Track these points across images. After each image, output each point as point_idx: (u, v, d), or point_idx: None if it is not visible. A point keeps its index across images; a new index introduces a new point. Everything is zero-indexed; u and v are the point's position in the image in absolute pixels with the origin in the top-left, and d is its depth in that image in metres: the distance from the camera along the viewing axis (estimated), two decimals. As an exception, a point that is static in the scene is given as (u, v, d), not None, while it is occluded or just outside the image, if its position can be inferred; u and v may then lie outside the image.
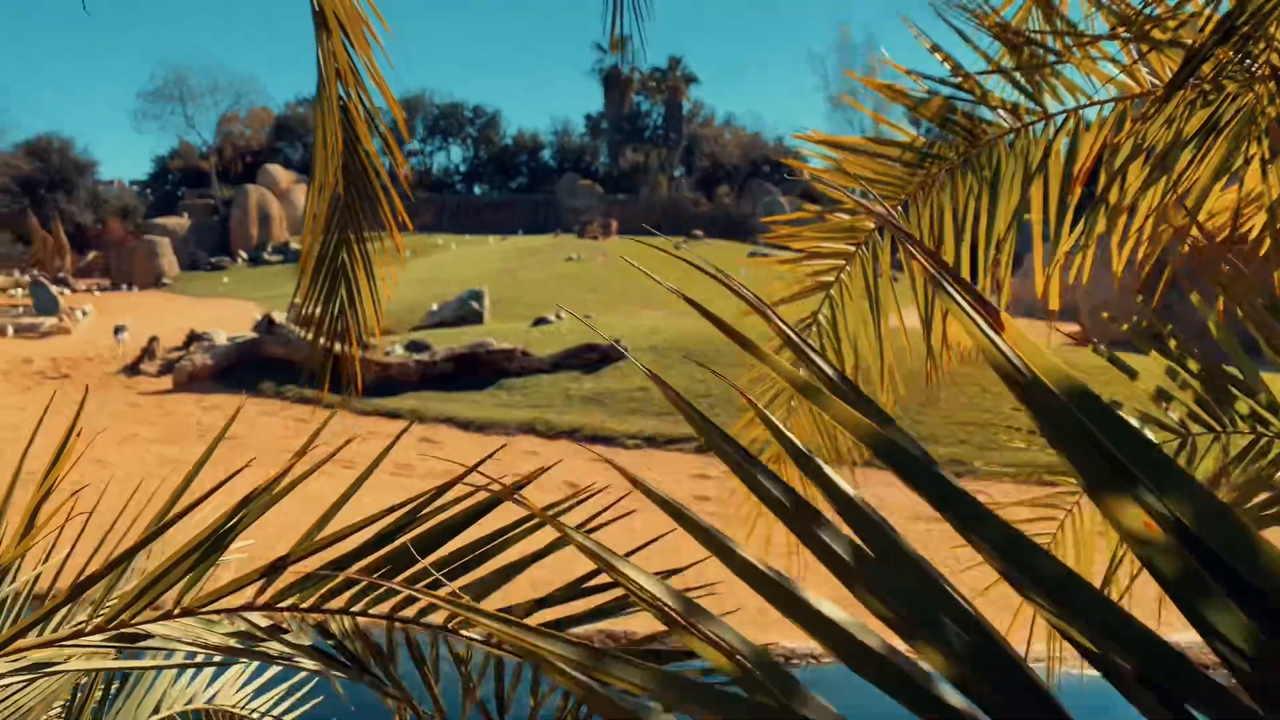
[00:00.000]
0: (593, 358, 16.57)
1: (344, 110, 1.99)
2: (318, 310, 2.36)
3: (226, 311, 33.73)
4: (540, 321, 21.76)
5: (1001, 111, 2.05)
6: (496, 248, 45.12)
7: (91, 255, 53.54)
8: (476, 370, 16.42)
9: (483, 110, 78.68)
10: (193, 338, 20.13)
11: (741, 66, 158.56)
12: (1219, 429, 1.79)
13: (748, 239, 61.57)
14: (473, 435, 13.81)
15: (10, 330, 26.13)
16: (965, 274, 2.20)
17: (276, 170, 61.86)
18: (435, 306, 24.83)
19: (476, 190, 78.81)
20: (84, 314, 30.48)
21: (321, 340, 2.49)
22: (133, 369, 19.08)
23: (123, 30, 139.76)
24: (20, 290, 37.72)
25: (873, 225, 2.25)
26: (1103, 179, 1.89)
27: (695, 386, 14.94)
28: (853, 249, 2.32)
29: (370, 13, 1.93)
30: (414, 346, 17.86)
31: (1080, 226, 1.97)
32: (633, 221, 64.14)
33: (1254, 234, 2.03)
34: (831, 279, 2.37)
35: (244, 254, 56.01)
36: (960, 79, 2.10)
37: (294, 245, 51.39)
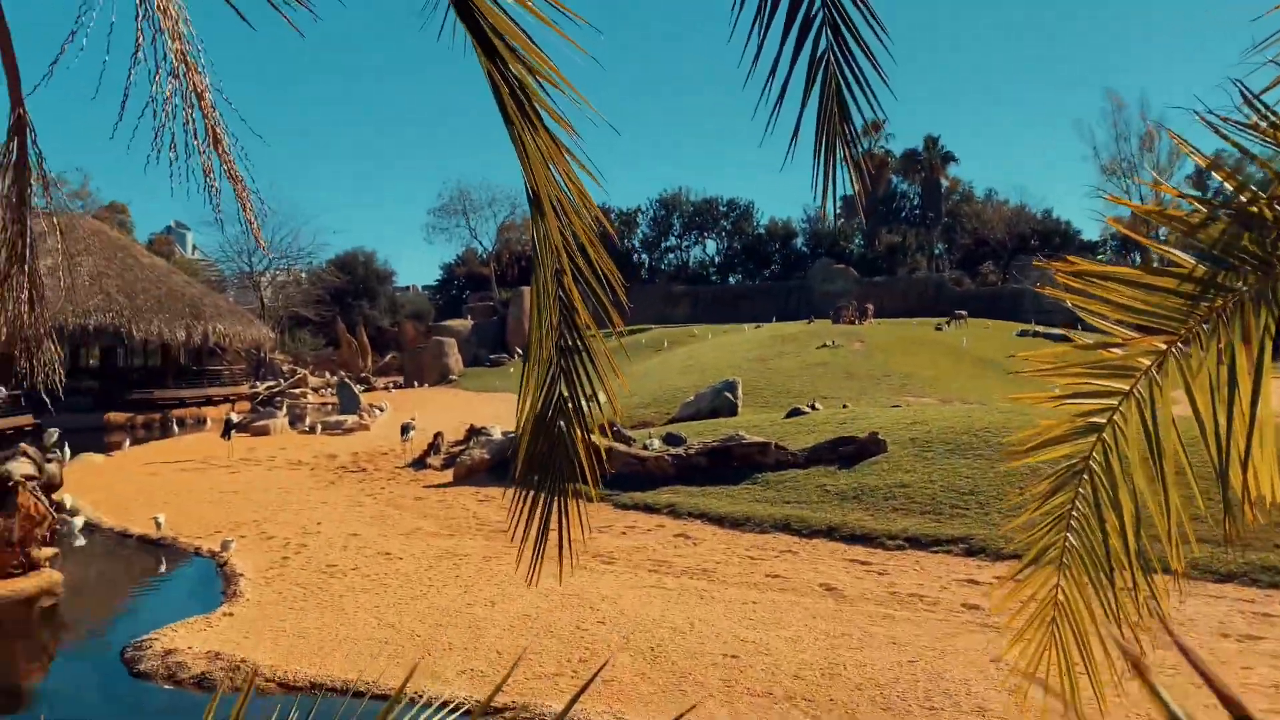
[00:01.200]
0: (849, 450, 16.11)
1: (559, 281, 2.07)
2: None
3: (503, 406, 36.21)
4: (794, 412, 21.55)
5: (1302, 238, 1.77)
6: (750, 336, 45.51)
7: (389, 356, 59.69)
8: (730, 463, 16.44)
9: (736, 203, 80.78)
10: (472, 432, 21.70)
11: (1003, 137, 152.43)
12: None
13: (1015, 317, 58.23)
14: (728, 531, 13.74)
15: (319, 428, 29.48)
16: (1267, 418, 1.91)
17: (546, 271, 66.15)
18: (691, 397, 25.31)
19: (731, 280, 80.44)
20: (380, 410, 33.85)
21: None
22: (420, 463, 20.82)
23: (415, 157, 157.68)
24: (330, 390, 42.66)
25: (1148, 363, 2.01)
26: None
27: (960, 482, 14.09)
28: (1126, 388, 2.08)
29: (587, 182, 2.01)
30: (670, 439, 18.23)
31: None
32: (891, 304, 62.73)
33: None
34: (1103, 420, 2.13)
35: (520, 351, 60.27)
36: (1246, 199, 1.85)
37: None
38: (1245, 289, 1.85)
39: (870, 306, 56.07)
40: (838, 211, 78.17)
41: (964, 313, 54.16)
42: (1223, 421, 1.83)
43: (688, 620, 9.44)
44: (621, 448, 16.78)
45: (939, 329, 48.27)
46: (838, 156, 2.31)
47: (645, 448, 17.45)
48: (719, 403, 23.82)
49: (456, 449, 20.86)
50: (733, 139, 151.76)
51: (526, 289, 63.87)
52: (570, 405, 2.21)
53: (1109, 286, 2.06)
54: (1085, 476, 2.19)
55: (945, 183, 76.98)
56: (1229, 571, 10.15)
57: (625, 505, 15.31)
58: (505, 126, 1.96)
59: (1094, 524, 2.16)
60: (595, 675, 7.89)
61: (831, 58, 2.21)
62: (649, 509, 15.13)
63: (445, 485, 18.29)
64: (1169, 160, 63.65)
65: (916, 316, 57.21)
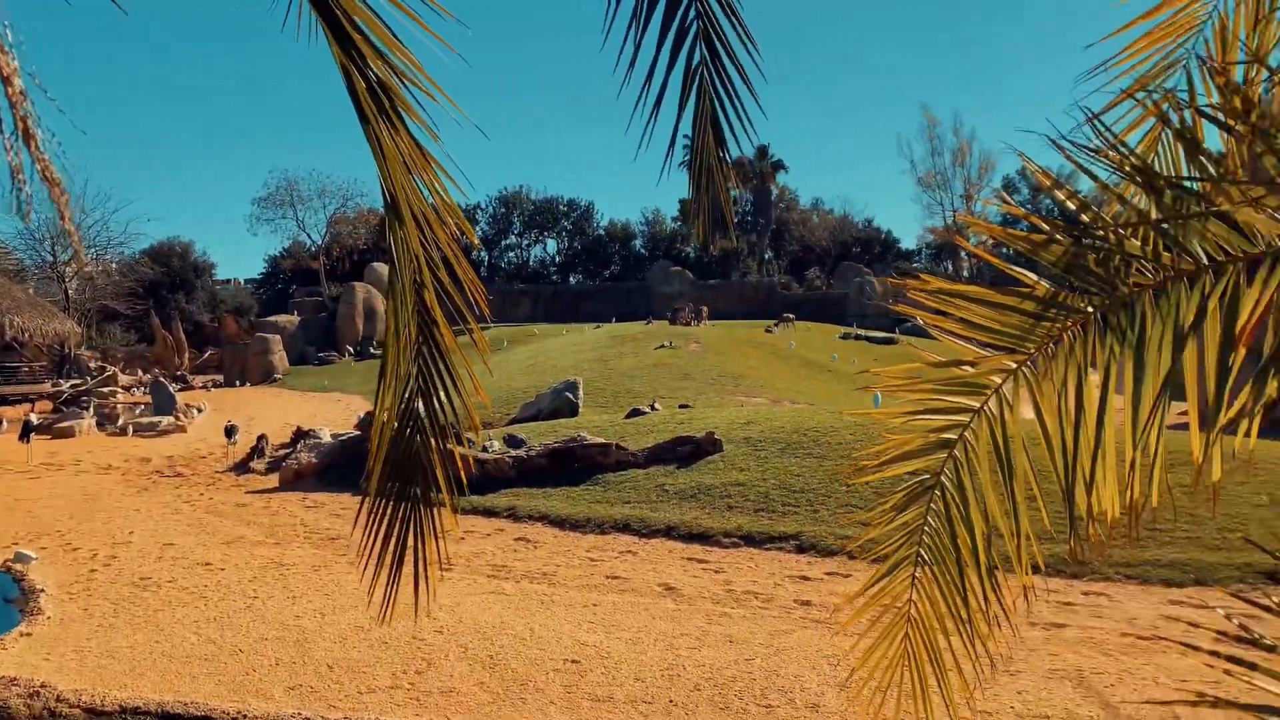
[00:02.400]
0: (687, 450, 16.37)
1: (419, 294, 1.93)
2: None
3: (333, 406, 34.78)
4: (634, 412, 21.71)
5: (1143, 262, 1.85)
6: (591, 336, 45.62)
7: (208, 353, 56.25)
8: (572, 464, 16.38)
9: (576, 204, 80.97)
10: (299, 435, 20.71)
11: (827, 149, 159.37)
12: None
13: (839, 320, 61.21)
14: (569, 533, 13.66)
15: (131, 429, 27.41)
16: (1110, 439, 1.99)
17: (381, 268, 64.31)
18: (532, 397, 25.08)
19: (571, 280, 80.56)
20: (199, 411, 31.81)
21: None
22: (242, 467, 19.68)
23: (238, 139, 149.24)
24: (143, 389, 39.77)
25: (999, 380, 2.07)
26: (1270, 339, 1.67)
27: (792, 480, 14.56)
28: (977, 404, 2.13)
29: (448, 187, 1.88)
30: (510, 441, 17.98)
31: (1246, 392, 1.74)
32: (725, 306, 64.47)
33: None
34: (954, 436, 2.17)
35: (350, 349, 58.09)
36: (1090, 222, 1.92)
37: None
38: (1091, 310, 1.92)
39: (705, 308, 57.39)
40: (676, 217, 79.56)
41: (791, 316, 56.38)
42: (1069, 440, 1.89)
43: (528, 626, 9.30)
44: (461, 450, 16.40)
45: (769, 331, 50.00)
46: (709, 168, 2.27)
47: (485, 449, 17.14)
48: (560, 403, 23.70)
49: (282, 452, 19.86)
50: (574, 139, 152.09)
51: (358, 284, 61.63)
52: (428, 420, 2.07)
53: (961, 304, 2.10)
54: (938, 492, 2.23)
55: (775, 190, 79.76)
56: (1035, 564, 10.88)
57: (463, 510, 14.95)
58: (360, 124, 1.79)
59: (946, 540, 2.21)
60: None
61: (706, 72, 2.16)
62: (488, 513, 14.86)
63: (270, 491, 17.35)
64: (979, 175, 68.51)
65: (749, 319, 59.08)
